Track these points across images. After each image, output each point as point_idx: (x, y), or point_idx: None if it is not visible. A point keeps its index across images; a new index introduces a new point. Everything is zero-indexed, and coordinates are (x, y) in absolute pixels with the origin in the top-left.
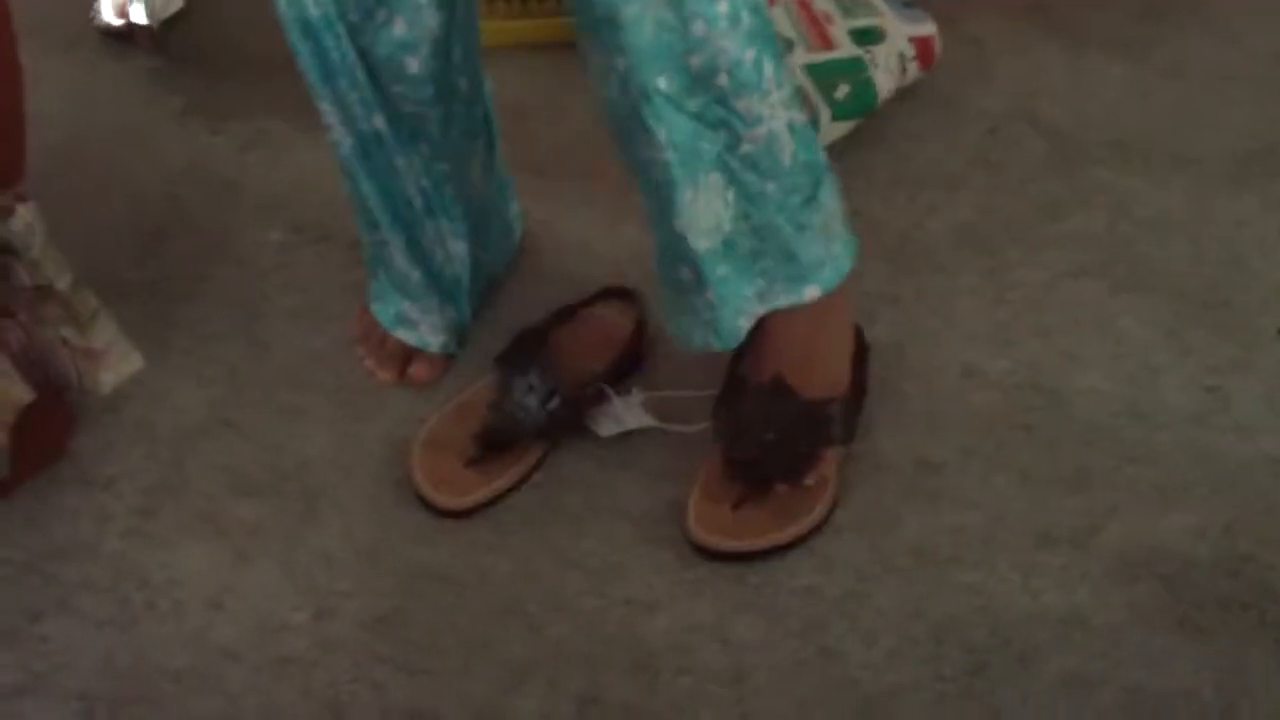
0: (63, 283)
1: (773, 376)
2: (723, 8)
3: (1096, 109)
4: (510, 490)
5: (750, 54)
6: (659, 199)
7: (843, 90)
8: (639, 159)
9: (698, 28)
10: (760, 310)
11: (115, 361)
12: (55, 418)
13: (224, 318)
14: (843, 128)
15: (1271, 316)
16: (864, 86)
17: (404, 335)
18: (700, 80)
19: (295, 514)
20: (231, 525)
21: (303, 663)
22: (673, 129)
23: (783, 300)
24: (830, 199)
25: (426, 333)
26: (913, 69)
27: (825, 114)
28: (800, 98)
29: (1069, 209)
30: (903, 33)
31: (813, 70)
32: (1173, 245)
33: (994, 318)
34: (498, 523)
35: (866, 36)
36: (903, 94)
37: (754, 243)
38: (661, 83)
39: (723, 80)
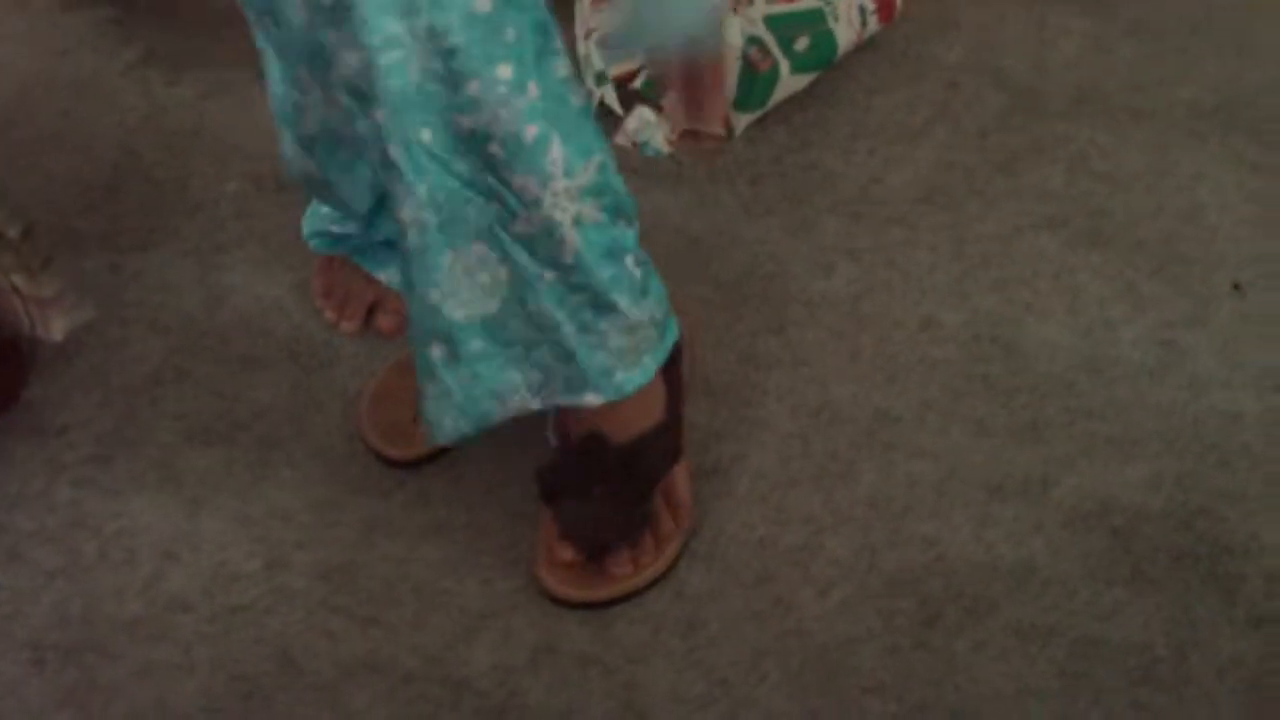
0: (14, 230)
1: (586, 432)
2: (504, 72)
3: (1057, 63)
4: None
5: (532, 130)
6: (416, 264)
7: (802, 42)
8: (397, 220)
9: (472, 87)
10: (533, 404)
11: (67, 309)
12: (8, 366)
13: (180, 267)
14: (801, 80)
15: (1227, 271)
16: (824, 39)
17: (386, 278)
18: (469, 143)
19: (249, 464)
20: (185, 475)
21: (255, 612)
22: (435, 187)
23: (561, 399)
24: (638, 311)
25: None
26: (873, 22)
27: (784, 66)
28: (607, 196)
29: (1028, 162)
30: None
31: (772, 22)
32: (1131, 199)
33: (951, 271)
34: (452, 475)
35: None
36: (863, 47)
37: (528, 331)
38: (425, 135)
39: (495, 149)
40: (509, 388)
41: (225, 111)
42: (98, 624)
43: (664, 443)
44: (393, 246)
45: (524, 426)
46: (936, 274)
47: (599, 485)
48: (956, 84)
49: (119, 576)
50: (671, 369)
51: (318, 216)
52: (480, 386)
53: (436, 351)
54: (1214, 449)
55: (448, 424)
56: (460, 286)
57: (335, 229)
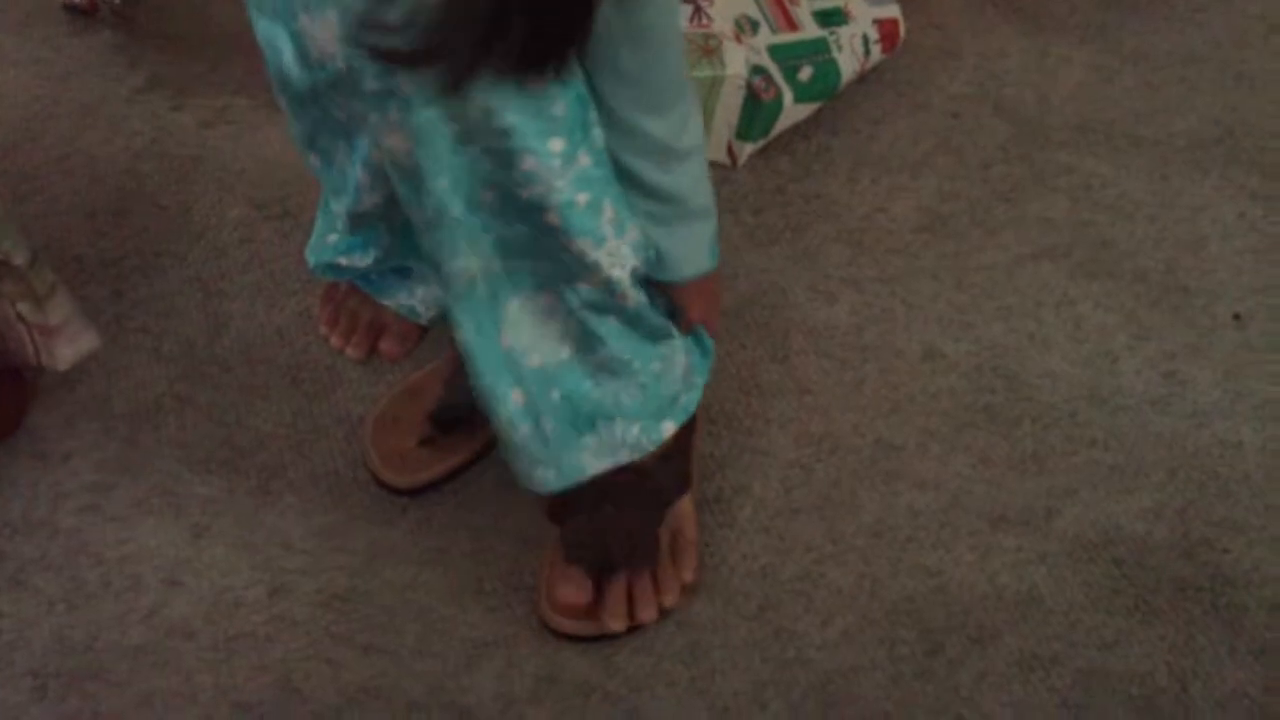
0: (20, 258)
1: None
2: (556, 145)
3: (1059, 93)
4: (463, 468)
5: (585, 197)
6: (484, 311)
7: (806, 72)
8: (455, 269)
9: (527, 163)
10: (621, 455)
11: (72, 338)
12: (10, 393)
13: (183, 294)
14: (805, 110)
15: (1229, 302)
16: (827, 68)
17: (393, 304)
18: (526, 211)
19: (252, 491)
20: (188, 502)
21: (258, 639)
22: (500, 236)
23: (646, 441)
24: (680, 342)
25: (419, 302)
26: (876, 52)
27: (788, 95)
28: (644, 251)
29: (1030, 192)
30: (867, 15)
31: (776, 51)
32: (1133, 229)
33: (954, 301)
34: (456, 501)
35: (831, 18)
36: (866, 77)
37: (602, 376)
38: (488, 196)
39: (552, 218)
40: (594, 442)
41: (228, 138)
42: (100, 651)
43: (674, 466)
44: (401, 274)
45: None
46: (939, 304)
47: (610, 502)
48: (959, 114)
49: (121, 604)
50: None
51: (325, 247)
52: (566, 443)
53: (516, 398)
54: (1216, 479)
55: (539, 475)
56: (532, 334)
57: (344, 261)
